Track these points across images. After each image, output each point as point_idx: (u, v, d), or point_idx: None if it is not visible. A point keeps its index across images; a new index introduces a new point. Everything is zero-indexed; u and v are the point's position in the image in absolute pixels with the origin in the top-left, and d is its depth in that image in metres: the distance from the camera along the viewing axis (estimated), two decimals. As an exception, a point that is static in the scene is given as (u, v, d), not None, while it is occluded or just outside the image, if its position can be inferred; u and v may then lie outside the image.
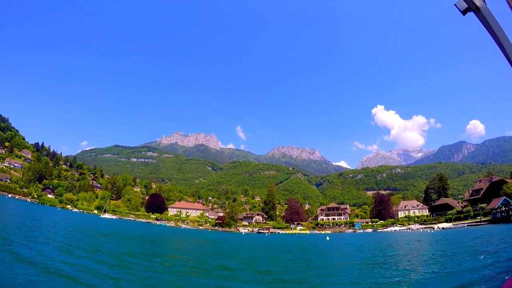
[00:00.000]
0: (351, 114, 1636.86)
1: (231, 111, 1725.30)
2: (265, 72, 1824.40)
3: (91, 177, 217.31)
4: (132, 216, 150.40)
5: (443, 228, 76.50)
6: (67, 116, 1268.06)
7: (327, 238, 61.44)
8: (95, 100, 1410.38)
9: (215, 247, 35.13)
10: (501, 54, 5.48)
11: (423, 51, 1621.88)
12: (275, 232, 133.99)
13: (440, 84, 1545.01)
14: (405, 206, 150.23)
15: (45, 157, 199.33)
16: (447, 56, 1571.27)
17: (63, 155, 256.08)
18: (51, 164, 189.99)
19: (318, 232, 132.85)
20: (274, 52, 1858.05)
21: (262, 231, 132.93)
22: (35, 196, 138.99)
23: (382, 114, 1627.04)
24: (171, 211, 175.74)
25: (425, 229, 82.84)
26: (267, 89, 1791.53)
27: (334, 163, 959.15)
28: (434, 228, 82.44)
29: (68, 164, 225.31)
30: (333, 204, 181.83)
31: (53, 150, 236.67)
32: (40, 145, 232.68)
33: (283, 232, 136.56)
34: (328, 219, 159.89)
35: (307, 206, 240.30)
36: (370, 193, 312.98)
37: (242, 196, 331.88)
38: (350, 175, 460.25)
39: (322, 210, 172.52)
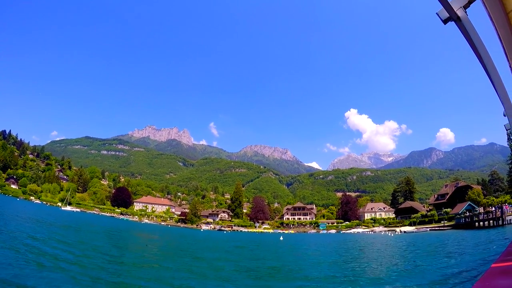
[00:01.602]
0: (325, 116, 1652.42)
1: (205, 108, 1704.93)
2: (241, 71, 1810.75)
3: (58, 168, 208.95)
4: (96, 209, 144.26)
5: (404, 231, 73.26)
6: (36, 104, 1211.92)
7: (281, 238, 57.74)
8: (67, 88, 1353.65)
9: (142, 240, 34.14)
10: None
11: (398, 59, 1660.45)
12: (237, 230, 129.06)
13: (413, 92, 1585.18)
14: (371, 208, 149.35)
15: (11, 146, 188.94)
16: (422, 65, 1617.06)
17: (31, 144, 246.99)
18: (16, 153, 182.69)
19: (281, 231, 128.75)
20: (250, 52, 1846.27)
21: (223, 229, 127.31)
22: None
23: (355, 118, 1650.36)
24: (137, 206, 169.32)
25: (387, 232, 79.54)
26: (242, 87, 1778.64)
27: (306, 164, 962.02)
28: (396, 231, 79.46)
29: (35, 154, 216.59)
30: (299, 204, 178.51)
31: (20, 139, 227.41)
32: (7, 133, 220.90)
33: (246, 230, 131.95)
34: (294, 218, 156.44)
35: (276, 205, 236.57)
36: (339, 194, 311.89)
37: (211, 193, 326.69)
38: (321, 176, 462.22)
39: (288, 209, 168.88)
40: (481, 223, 53.74)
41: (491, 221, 50.75)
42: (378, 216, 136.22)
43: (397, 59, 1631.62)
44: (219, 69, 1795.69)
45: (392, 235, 64.84)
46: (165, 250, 25.85)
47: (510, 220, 48.39)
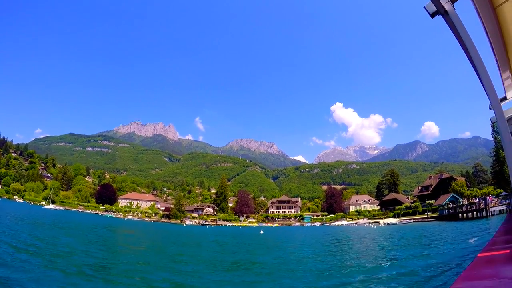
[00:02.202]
0: (311, 110, 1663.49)
1: (191, 102, 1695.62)
2: (227, 66, 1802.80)
3: (42, 166, 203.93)
4: (81, 207, 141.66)
5: (388, 223, 72.14)
6: (19, 101, 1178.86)
7: (261, 231, 55.86)
8: (50, 85, 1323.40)
9: (112, 235, 33.22)
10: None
11: (384, 53, 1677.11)
12: (221, 224, 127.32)
13: (398, 86, 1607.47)
14: (356, 201, 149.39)
15: None
16: (408, 59, 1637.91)
17: (15, 142, 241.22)
18: None
19: (266, 225, 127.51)
20: (236, 46, 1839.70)
21: (207, 223, 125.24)
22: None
23: (341, 112, 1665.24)
24: (122, 202, 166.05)
25: (370, 224, 78.43)
26: (228, 82, 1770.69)
27: (292, 157, 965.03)
28: (379, 223, 78.55)
29: (19, 152, 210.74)
30: (284, 197, 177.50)
31: (3, 137, 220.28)
32: None
33: (230, 224, 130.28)
34: (279, 211, 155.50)
35: (262, 199, 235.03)
36: (325, 187, 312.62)
37: (198, 188, 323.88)
38: (307, 169, 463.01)
39: (273, 202, 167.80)
40: (465, 214, 52.89)
41: (475, 213, 49.83)
42: (363, 208, 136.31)
43: (382, 53, 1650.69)
44: (204, 64, 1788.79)
45: (375, 227, 63.73)
46: (131, 244, 25.00)
47: (494, 211, 47.46)
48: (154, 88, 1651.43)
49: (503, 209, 47.44)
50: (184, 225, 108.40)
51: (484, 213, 47.36)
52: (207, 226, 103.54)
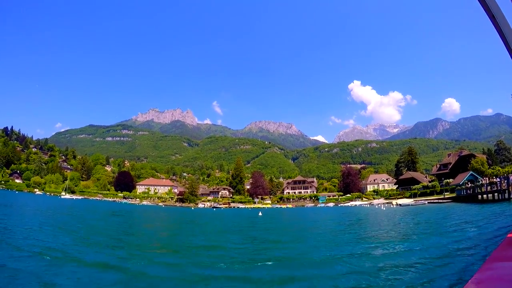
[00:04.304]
0: (328, 89, 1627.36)
1: (207, 87, 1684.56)
2: (242, 47, 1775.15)
3: (62, 159, 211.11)
4: (100, 195, 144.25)
5: (400, 204, 67.71)
6: (37, 97, 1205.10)
7: (260, 213, 53.19)
8: (66, 79, 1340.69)
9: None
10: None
11: (400, 28, 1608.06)
12: (234, 207, 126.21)
13: (417, 62, 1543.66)
14: (374, 180, 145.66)
15: (13, 142, 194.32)
16: (425, 34, 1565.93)
17: (37, 138, 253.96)
18: (19, 148, 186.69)
19: (279, 206, 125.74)
20: (251, 27, 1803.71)
21: (218, 206, 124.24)
22: (2, 182, 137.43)
23: (359, 90, 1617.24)
24: (140, 189, 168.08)
25: (381, 206, 73.61)
26: (243, 64, 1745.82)
27: (311, 138, 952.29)
28: (392, 204, 74.42)
29: (39, 147, 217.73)
30: (299, 177, 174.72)
31: (23, 134, 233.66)
32: (9, 129, 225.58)
33: (243, 206, 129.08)
34: (294, 192, 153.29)
35: (281, 180, 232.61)
36: (345, 166, 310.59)
37: (217, 171, 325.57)
38: (326, 149, 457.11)
39: (288, 183, 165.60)
40: (485, 196, 48.20)
41: (495, 194, 45.11)
42: (381, 188, 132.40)
43: (399, 27, 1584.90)
44: (219, 47, 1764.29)
45: (384, 208, 59.51)
46: (106, 227, 23.33)
47: (517, 193, 42.67)
48: (170, 75, 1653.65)
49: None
50: (192, 208, 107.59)
51: (506, 195, 42.69)
52: (214, 209, 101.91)
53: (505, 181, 44.40)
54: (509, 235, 5.03)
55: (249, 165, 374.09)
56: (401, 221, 27.92)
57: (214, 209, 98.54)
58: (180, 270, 9.17)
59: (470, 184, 56.99)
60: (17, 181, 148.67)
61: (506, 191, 42.81)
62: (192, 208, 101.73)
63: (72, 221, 25.01)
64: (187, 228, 26.93)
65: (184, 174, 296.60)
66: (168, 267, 9.63)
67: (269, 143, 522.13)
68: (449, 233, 16.39)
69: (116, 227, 23.21)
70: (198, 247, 14.31)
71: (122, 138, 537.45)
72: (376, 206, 72.53)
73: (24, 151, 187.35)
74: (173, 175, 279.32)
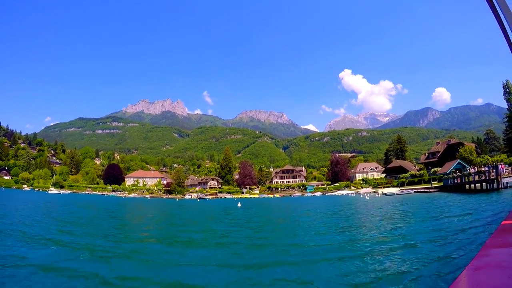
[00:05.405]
0: (319, 77, 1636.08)
1: (197, 76, 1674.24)
2: (231, 35, 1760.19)
3: (50, 153, 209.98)
4: (89, 189, 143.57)
5: (385, 193, 65.86)
6: (25, 91, 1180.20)
7: (239, 204, 50.86)
8: (53, 71, 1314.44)
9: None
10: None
11: (392, 18, 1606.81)
12: (222, 197, 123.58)
13: (408, 51, 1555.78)
14: (363, 169, 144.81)
15: (1, 137, 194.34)
16: (417, 24, 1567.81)
17: (25, 133, 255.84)
18: (7, 144, 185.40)
19: (266, 195, 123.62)
20: (242, 17, 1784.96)
21: (204, 197, 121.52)
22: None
23: (350, 78, 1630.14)
24: (129, 181, 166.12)
25: (366, 195, 71.24)
26: (234, 53, 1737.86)
27: (302, 127, 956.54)
28: (377, 193, 72.56)
29: (28, 142, 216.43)
30: (288, 167, 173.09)
31: (11, 129, 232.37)
32: None
33: (230, 196, 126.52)
34: (283, 181, 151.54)
35: (271, 169, 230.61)
36: (333, 155, 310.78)
37: (208, 161, 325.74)
38: (317, 138, 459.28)
39: (276, 172, 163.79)
40: (472, 185, 46.08)
41: (483, 184, 42.97)
42: (370, 177, 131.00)
43: (391, 17, 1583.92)
44: (208, 36, 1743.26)
45: (368, 198, 57.36)
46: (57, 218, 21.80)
47: (506, 183, 40.34)
48: (160, 65, 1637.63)
49: (518, 180, 40.99)
50: (177, 199, 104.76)
51: (495, 185, 40.49)
52: (199, 200, 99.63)
53: (494, 170, 42.24)
54: (503, 222, 5.16)
55: (240, 155, 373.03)
56: (378, 213, 25.21)
57: (199, 200, 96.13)
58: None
59: (457, 173, 54.89)
60: (6, 177, 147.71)
61: (495, 180, 40.59)
62: (177, 200, 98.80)
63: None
64: (145, 222, 23.84)
65: (175, 165, 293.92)
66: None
67: (260, 132, 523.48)
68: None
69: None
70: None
71: (112, 131, 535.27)
72: (361, 195, 70.39)
73: (12, 147, 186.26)
74: (163, 167, 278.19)
